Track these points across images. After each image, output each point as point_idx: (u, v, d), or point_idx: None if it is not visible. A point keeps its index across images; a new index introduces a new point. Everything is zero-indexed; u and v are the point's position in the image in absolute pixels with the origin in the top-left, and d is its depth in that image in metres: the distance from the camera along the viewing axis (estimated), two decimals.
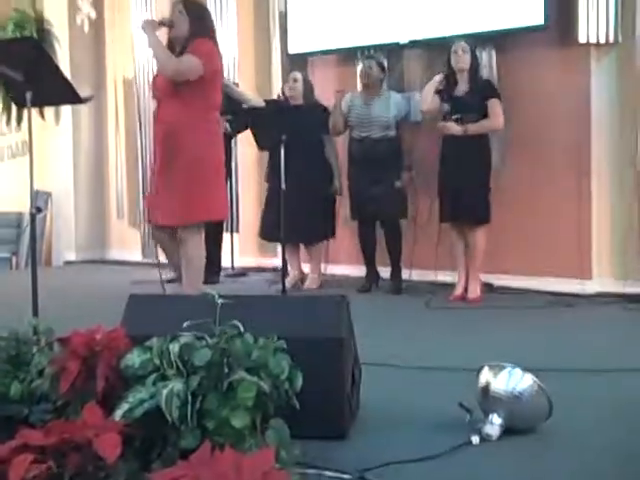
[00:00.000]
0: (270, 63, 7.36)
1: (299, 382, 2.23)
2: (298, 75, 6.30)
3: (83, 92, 4.55)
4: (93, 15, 8.96)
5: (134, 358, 2.21)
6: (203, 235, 4.53)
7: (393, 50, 6.43)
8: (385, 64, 6.18)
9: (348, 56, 6.78)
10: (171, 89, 4.33)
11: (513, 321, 4.80)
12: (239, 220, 7.57)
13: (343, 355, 2.49)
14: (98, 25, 9.12)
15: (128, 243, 8.84)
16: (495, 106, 5.45)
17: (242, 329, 2.23)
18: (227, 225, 6.96)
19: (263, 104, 6.15)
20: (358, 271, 6.37)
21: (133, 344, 2.27)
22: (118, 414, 2.07)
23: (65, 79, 3.80)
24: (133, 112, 8.58)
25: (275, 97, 6.63)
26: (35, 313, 3.56)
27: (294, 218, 5.67)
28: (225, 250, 6.92)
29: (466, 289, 5.55)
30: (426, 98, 5.62)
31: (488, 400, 2.55)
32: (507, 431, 2.49)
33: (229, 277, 6.91)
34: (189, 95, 4.30)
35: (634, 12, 5.47)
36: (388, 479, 2.17)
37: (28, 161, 3.75)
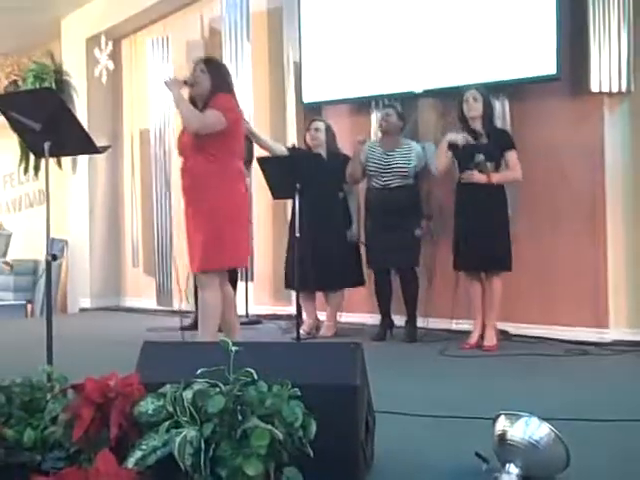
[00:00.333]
0: (285, 113, 7.44)
1: (313, 430, 2.20)
2: (320, 124, 6.35)
3: (100, 142, 4.62)
4: (111, 67, 9.13)
5: (147, 405, 2.20)
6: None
7: (407, 99, 6.48)
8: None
9: (362, 105, 6.85)
10: (196, 144, 4.47)
11: (529, 369, 4.76)
12: (253, 268, 7.58)
13: (357, 402, 2.46)
14: (115, 76, 9.29)
15: (143, 291, 8.88)
16: (514, 157, 5.47)
17: (256, 376, 2.23)
18: (242, 273, 6.97)
19: (286, 152, 6.18)
20: (374, 319, 6.36)
21: (147, 391, 2.26)
22: (131, 462, 2.06)
23: (83, 129, 3.84)
24: (149, 162, 8.68)
25: (289, 145, 6.67)
26: (50, 360, 3.57)
27: (319, 265, 5.70)
28: (240, 298, 6.92)
29: (482, 336, 5.52)
30: (440, 157, 5.63)
31: (505, 449, 2.51)
32: None
33: (244, 325, 6.89)
34: (213, 147, 4.44)
35: None
36: None
37: (45, 209, 3.80)
